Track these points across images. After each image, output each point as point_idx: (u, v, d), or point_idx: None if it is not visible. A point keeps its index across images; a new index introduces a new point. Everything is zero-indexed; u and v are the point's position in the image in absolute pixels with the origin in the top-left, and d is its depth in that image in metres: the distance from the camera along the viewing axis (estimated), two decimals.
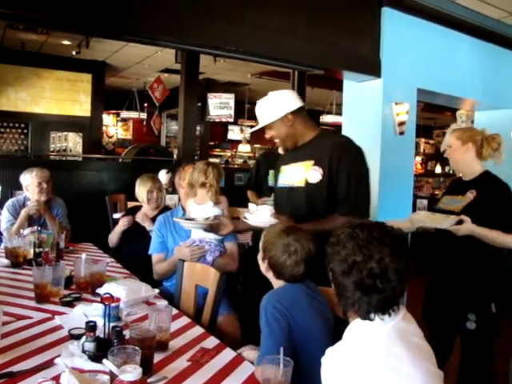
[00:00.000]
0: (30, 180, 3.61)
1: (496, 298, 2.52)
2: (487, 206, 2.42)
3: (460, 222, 2.36)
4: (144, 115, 11.36)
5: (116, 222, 4.01)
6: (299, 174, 2.43)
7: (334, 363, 1.26)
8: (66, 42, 7.78)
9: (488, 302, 2.50)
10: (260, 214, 2.35)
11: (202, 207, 2.86)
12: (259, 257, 1.93)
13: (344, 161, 2.32)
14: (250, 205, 2.47)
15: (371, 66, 4.13)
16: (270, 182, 4.05)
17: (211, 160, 9.56)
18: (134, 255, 3.35)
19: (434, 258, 2.81)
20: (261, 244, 1.93)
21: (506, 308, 4.55)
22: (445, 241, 2.69)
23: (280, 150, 2.65)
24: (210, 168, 2.90)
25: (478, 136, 2.61)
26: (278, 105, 2.40)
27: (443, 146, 2.74)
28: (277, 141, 2.51)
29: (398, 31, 4.25)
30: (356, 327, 1.29)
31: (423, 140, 15.29)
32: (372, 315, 1.26)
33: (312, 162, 2.37)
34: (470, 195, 2.55)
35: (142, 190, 3.68)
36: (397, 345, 1.21)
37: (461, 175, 2.76)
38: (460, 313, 2.52)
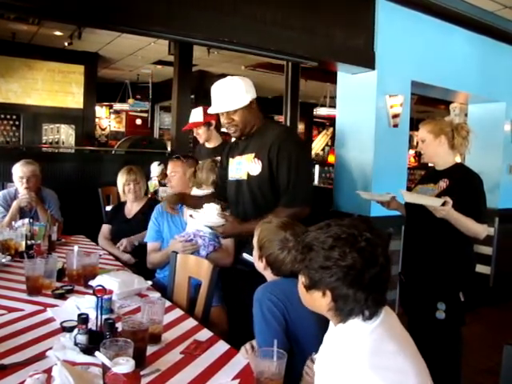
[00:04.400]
0: (14, 173, 3.60)
1: (464, 287, 2.56)
2: (459, 194, 2.46)
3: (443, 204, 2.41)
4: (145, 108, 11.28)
5: (107, 214, 4.00)
6: (243, 166, 2.49)
7: (327, 365, 1.24)
8: (57, 33, 7.69)
9: (457, 291, 2.54)
10: (207, 213, 2.31)
11: (203, 192, 2.93)
12: (255, 255, 1.89)
13: (283, 151, 2.37)
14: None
15: (365, 58, 4.11)
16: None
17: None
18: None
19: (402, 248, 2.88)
20: (255, 241, 1.89)
21: (492, 302, 4.64)
22: (412, 230, 2.74)
23: (233, 139, 2.65)
24: (218, 165, 2.92)
25: (448, 127, 2.67)
26: (245, 90, 2.42)
27: (418, 140, 2.77)
28: (232, 128, 2.47)
29: (392, 23, 4.23)
30: (348, 328, 1.23)
31: (416, 133, 15.31)
32: (378, 312, 1.22)
33: (253, 154, 2.45)
34: (443, 184, 2.62)
35: (119, 183, 3.68)
36: (388, 342, 1.19)
37: (432, 165, 2.82)
38: (429, 303, 2.54)
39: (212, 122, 4.04)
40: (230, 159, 2.60)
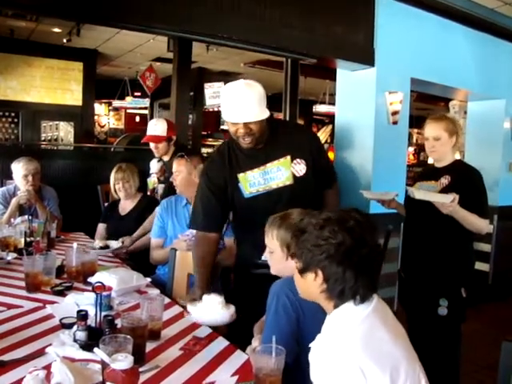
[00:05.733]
0: (17, 171, 3.59)
1: (466, 283, 2.56)
2: (461, 191, 2.45)
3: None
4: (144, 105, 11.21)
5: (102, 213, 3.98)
6: (281, 173, 2.31)
7: (321, 350, 1.26)
8: (56, 30, 7.68)
9: (458, 287, 2.54)
10: (208, 308, 1.83)
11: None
12: (281, 255, 1.80)
13: (317, 142, 2.54)
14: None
15: (365, 55, 4.11)
16: None
17: (204, 150, 9.55)
18: None
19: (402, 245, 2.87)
20: (282, 237, 1.79)
21: (491, 299, 4.66)
22: (413, 228, 2.74)
23: (244, 146, 2.28)
24: None
25: (459, 127, 2.66)
26: (265, 97, 2.25)
27: (428, 137, 2.67)
28: (248, 139, 2.23)
29: (392, 20, 4.22)
30: (341, 314, 1.28)
31: (416, 131, 15.32)
32: (368, 295, 1.28)
33: (288, 157, 2.31)
34: (444, 180, 2.60)
35: (111, 182, 3.67)
36: (380, 329, 1.24)
37: (432, 162, 2.81)
38: (431, 299, 2.55)
39: (173, 138, 3.90)
40: (241, 175, 2.32)
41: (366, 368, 1.14)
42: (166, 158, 3.93)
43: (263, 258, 1.93)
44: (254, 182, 2.31)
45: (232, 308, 1.66)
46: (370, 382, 1.13)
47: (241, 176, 2.31)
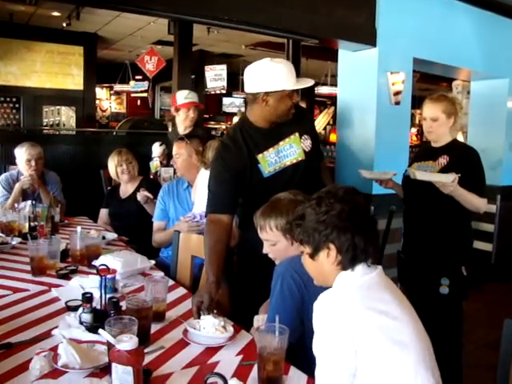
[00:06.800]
0: (20, 156, 3.59)
1: (466, 261, 2.58)
2: (460, 170, 2.45)
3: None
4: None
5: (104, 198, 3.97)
6: (294, 149, 2.36)
7: (325, 309, 1.27)
8: (55, 14, 7.62)
9: (459, 266, 2.56)
10: (205, 331, 1.68)
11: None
12: (286, 243, 1.79)
13: (313, 122, 2.82)
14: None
15: (367, 35, 4.06)
16: None
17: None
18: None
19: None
20: (281, 225, 1.79)
21: (494, 278, 4.67)
22: (412, 208, 2.74)
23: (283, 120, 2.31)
24: None
25: (458, 106, 2.62)
26: None
27: (426, 117, 2.65)
28: (293, 109, 2.31)
29: None
30: (345, 277, 1.32)
31: (418, 111, 15.22)
32: (376, 257, 1.35)
33: (296, 133, 2.36)
34: (443, 160, 2.59)
35: (111, 166, 3.65)
36: (383, 291, 1.30)
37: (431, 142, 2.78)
38: (432, 278, 2.56)
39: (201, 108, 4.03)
40: (260, 155, 2.33)
41: (362, 321, 1.20)
42: (187, 131, 3.84)
43: (264, 252, 1.93)
44: (271, 161, 2.34)
45: (230, 329, 1.68)
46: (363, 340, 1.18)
47: (259, 157, 2.33)
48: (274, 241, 1.84)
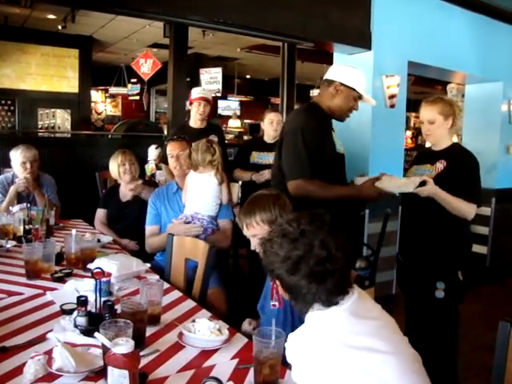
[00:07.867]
0: (15, 158, 3.58)
1: (462, 266, 2.57)
2: (455, 176, 2.45)
3: (423, 184, 2.37)
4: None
5: (101, 198, 3.96)
6: (340, 142, 2.70)
7: (297, 349, 1.27)
8: (50, 16, 7.60)
9: (455, 270, 2.55)
10: (201, 334, 1.65)
11: (202, 176, 2.87)
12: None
13: None
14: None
15: (362, 38, 4.08)
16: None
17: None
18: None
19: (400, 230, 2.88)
20: (267, 218, 1.89)
21: (489, 281, 4.68)
22: (409, 211, 2.74)
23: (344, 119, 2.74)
24: (213, 145, 2.89)
25: (455, 107, 2.59)
26: None
27: (423, 120, 2.64)
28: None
29: (389, 3, 4.18)
30: (316, 314, 1.30)
31: (414, 114, 15.27)
32: (333, 300, 1.26)
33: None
34: (440, 165, 2.56)
35: (113, 165, 3.60)
36: (357, 323, 1.25)
37: (429, 145, 2.77)
38: (428, 282, 2.55)
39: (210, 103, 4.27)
40: (333, 133, 2.67)
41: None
42: (201, 126, 4.17)
43: (252, 248, 1.95)
44: (337, 142, 2.65)
45: (225, 332, 1.69)
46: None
47: (333, 134, 2.66)
48: (261, 234, 1.85)
